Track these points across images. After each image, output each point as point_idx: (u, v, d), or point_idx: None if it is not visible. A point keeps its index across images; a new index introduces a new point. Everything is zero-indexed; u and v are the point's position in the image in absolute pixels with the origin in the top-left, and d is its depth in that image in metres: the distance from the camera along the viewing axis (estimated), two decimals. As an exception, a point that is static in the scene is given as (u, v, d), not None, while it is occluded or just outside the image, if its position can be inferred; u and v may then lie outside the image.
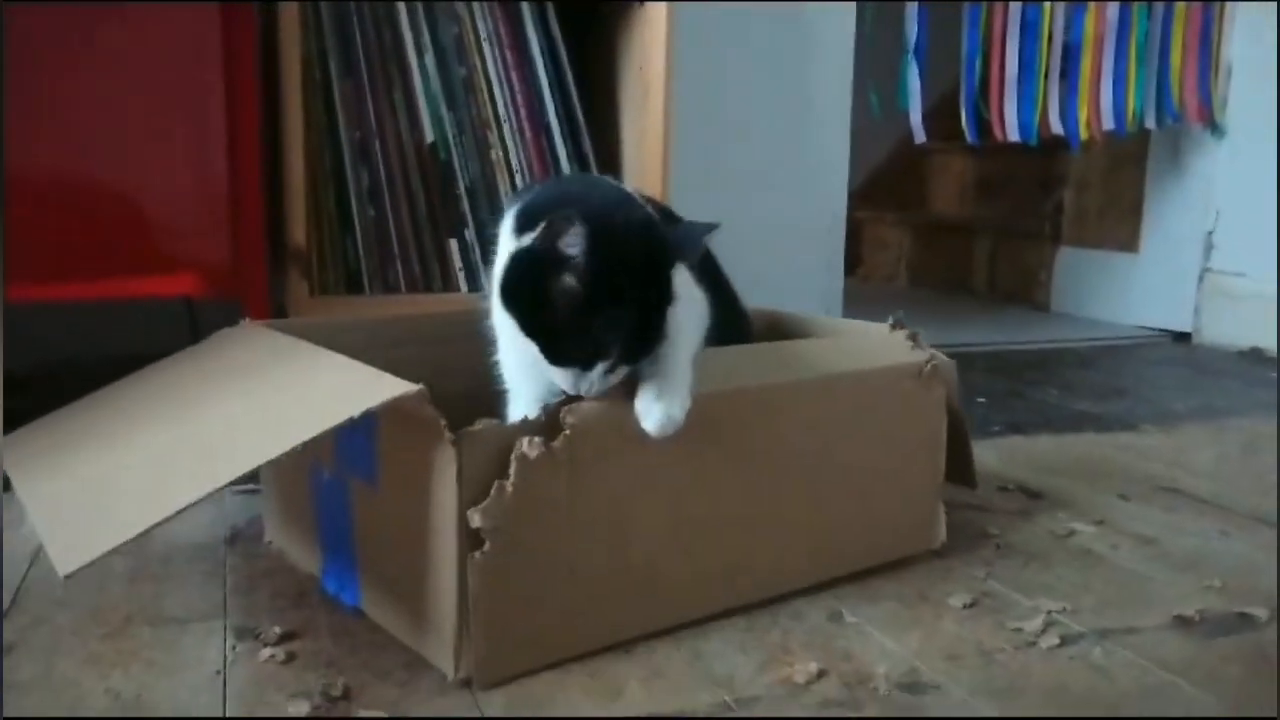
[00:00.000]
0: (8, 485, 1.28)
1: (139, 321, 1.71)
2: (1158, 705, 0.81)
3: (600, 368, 0.83)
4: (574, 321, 0.82)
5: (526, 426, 0.82)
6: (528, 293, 0.84)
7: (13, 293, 1.21)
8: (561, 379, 0.84)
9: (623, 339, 0.82)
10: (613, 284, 0.82)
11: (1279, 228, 2.38)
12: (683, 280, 0.98)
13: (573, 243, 0.80)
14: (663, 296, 0.85)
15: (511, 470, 0.80)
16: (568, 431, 0.83)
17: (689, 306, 0.94)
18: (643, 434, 0.84)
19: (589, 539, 0.86)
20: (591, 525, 0.86)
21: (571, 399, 0.85)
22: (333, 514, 0.97)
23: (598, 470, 0.85)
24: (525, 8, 1.51)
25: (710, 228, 0.91)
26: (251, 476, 1.02)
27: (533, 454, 0.81)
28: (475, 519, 0.78)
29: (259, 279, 1.30)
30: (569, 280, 0.81)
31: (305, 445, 0.77)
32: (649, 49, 1.47)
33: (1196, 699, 0.82)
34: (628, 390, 0.86)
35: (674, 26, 1.46)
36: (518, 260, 0.85)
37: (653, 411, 0.84)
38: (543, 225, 0.82)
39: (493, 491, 0.79)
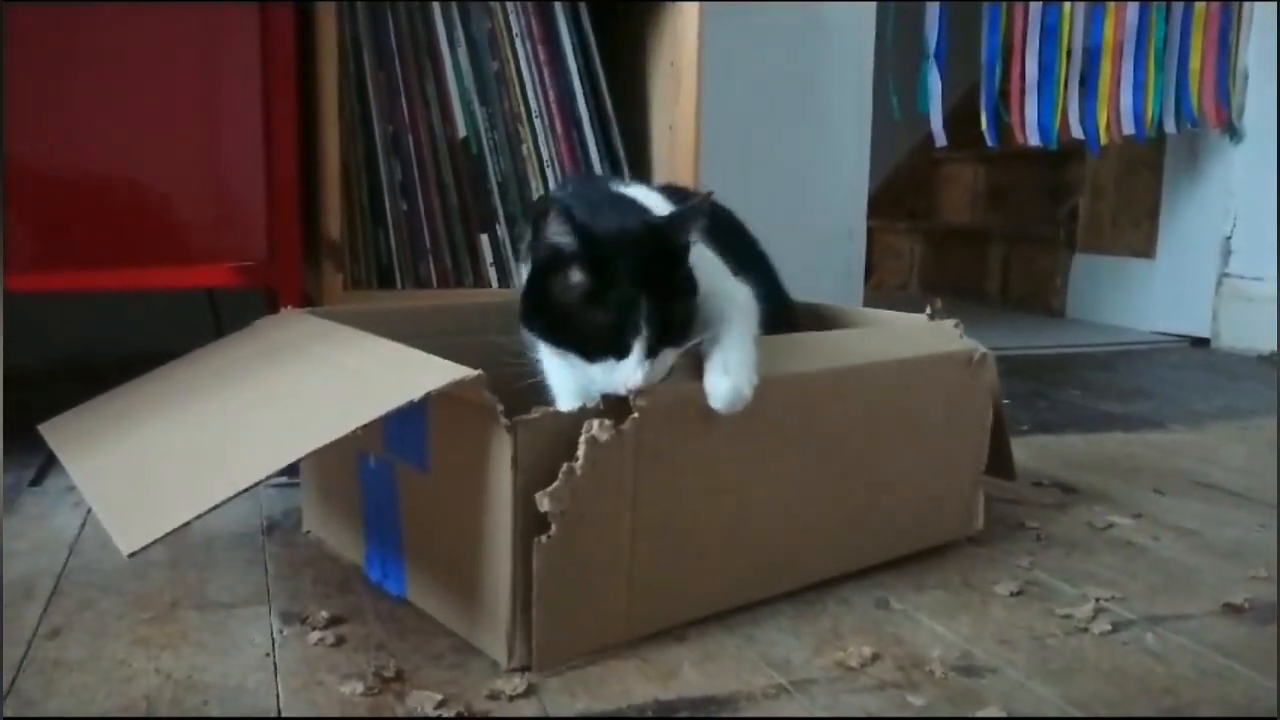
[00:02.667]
0: (37, 479, 1.29)
1: (159, 313, 1.72)
2: (1216, 688, 0.81)
3: (637, 352, 0.80)
4: (591, 311, 0.81)
5: (586, 413, 0.81)
6: (544, 305, 0.84)
7: (50, 282, 1.21)
8: (604, 377, 0.82)
9: (647, 317, 0.79)
10: (614, 264, 0.81)
11: (1279, 231, 2.39)
12: (723, 274, 0.98)
13: (558, 230, 0.80)
14: (675, 273, 0.83)
15: (580, 453, 0.79)
16: (636, 415, 0.82)
17: (736, 295, 0.94)
18: (710, 412, 0.83)
19: (651, 524, 0.85)
20: (653, 510, 0.85)
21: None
22: (378, 501, 0.96)
23: (662, 455, 0.85)
24: (557, 4, 1.51)
25: (703, 202, 0.87)
26: (289, 469, 1.02)
27: (603, 436, 0.80)
28: (544, 503, 0.78)
29: (294, 272, 1.30)
30: (573, 275, 0.81)
31: (362, 429, 0.76)
32: (680, 44, 1.47)
33: (1255, 682, 0.82)
34: (690, 375, 0.85)
35: (704, 23, 1.47)
36: (529, 284, 0.85)
37: (720, 388, 0.83)
38: (529, 227, 0.82)
39: (560, 475, 0.78)
